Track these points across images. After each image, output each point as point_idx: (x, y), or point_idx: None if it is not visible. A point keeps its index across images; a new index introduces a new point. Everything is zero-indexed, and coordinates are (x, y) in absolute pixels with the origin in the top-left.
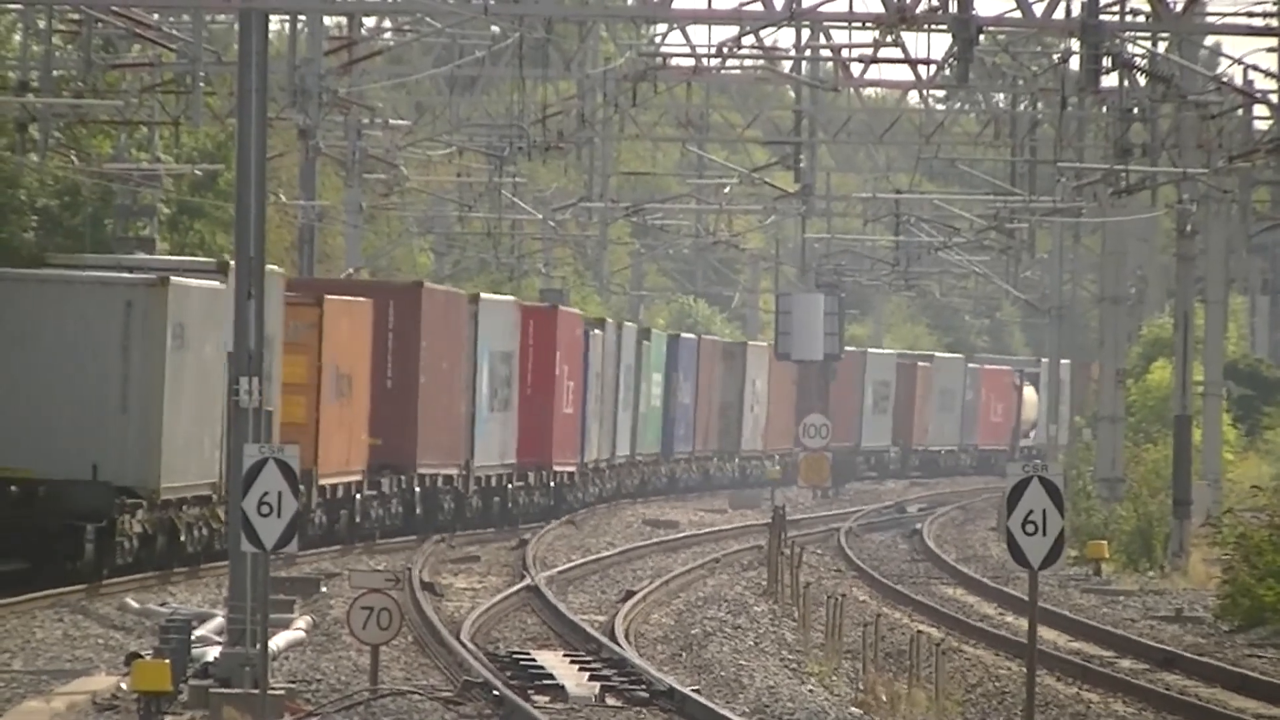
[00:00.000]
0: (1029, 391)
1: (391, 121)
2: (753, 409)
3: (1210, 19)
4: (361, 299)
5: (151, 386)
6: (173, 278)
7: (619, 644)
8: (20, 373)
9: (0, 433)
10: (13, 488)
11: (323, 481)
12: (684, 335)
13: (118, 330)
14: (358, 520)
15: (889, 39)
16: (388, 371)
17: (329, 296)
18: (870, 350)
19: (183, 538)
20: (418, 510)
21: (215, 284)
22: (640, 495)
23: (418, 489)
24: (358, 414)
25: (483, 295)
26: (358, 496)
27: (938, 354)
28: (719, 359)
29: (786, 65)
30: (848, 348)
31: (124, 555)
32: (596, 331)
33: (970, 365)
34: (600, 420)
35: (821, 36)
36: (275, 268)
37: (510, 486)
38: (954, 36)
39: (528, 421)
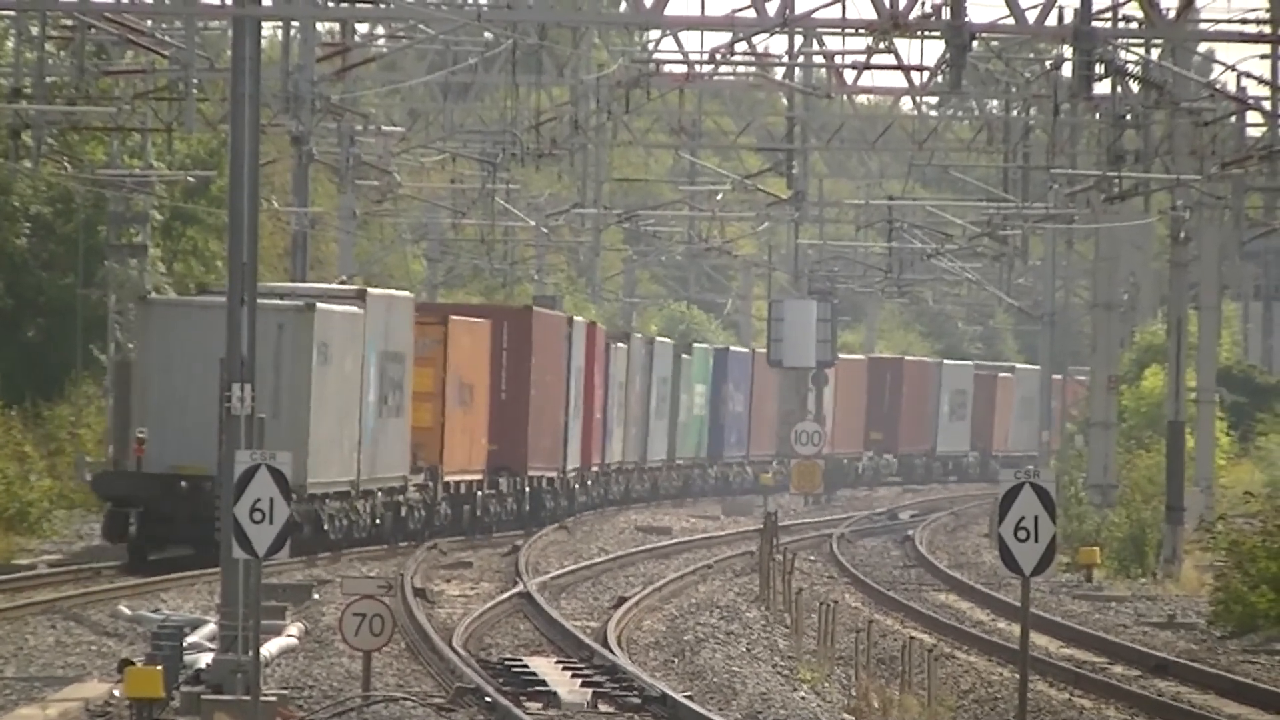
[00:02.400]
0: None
1: (384, 128)
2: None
3: (1203, 26)
4: (481, 320)
5: (300, 397)
6: (318, 304)
7: (611, 650)
8: (189, 386)
9: (174, 436)
10: (183, 483)
11: (447, 478)
12: (734, 349)
13: (271, 349)
14: (478, 515)
15: (882, 45)
16: (502, 384)
17: (453, 317)
18: (945, 362)
19: (325, 527)
20: (527, 507)
21: (354, 309)
22: (688, 495)
23: (527, 489)
24: (478, 420)
25: (574, 318)
26: (479, 494)
27: (1019, 365)
28: (778, 371)
29: (779, 72)
30: (912, 357)
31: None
32: (620, 345)
33: (1055, 376)
34: (624, 426)
35: (814, 43)
36: (405, 293)
37: (576, 486)
38: (947, 43)
39: (585, 428)
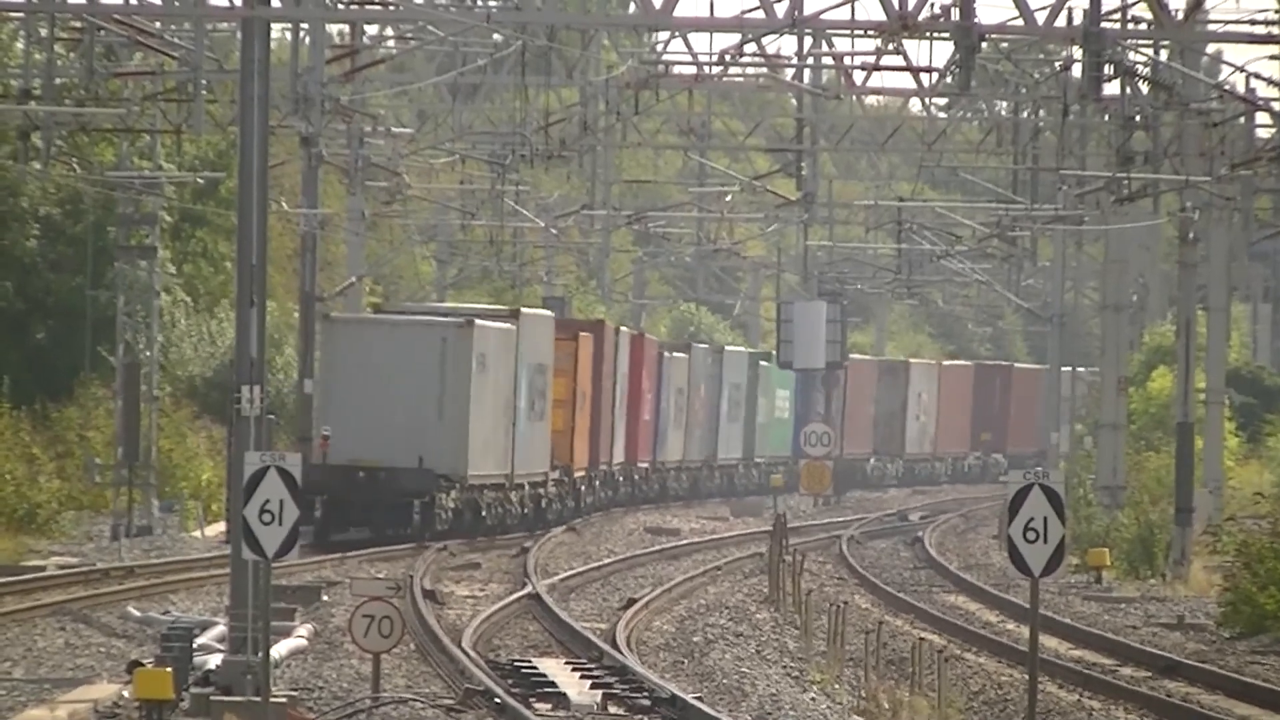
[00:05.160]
0: None
1: (394, 129)
2: (918, 418)
3: (1212, 27)
4: (590, 334)
5: (461, 400)
6: (476, 320)
7: (621, 651)
8: (367, 390)
9: (354, 433)
10: (361, 473)
11: (575, 474)
12: None
13: (436, 359)
14: (581, 505)
15: (891, 47)
16: (591, 391)
17: (580, 333)
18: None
19: (483, 513)
20: (607, 495)
21: (508, 325)
22: (766, 491)
23: (598, 482)
24: (588, 423)
25: (620, 329)
26: (582, 487)
27: None
28: (875, 375)
29: (788, 73)
30: (1022, 364)
31: (441, 524)
32: (680, 354)
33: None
34: (685, 427)
35: (823, 44)
36: (547, 311)
37: (620, 478)
38: (956, 44)
39: (630, 429)
